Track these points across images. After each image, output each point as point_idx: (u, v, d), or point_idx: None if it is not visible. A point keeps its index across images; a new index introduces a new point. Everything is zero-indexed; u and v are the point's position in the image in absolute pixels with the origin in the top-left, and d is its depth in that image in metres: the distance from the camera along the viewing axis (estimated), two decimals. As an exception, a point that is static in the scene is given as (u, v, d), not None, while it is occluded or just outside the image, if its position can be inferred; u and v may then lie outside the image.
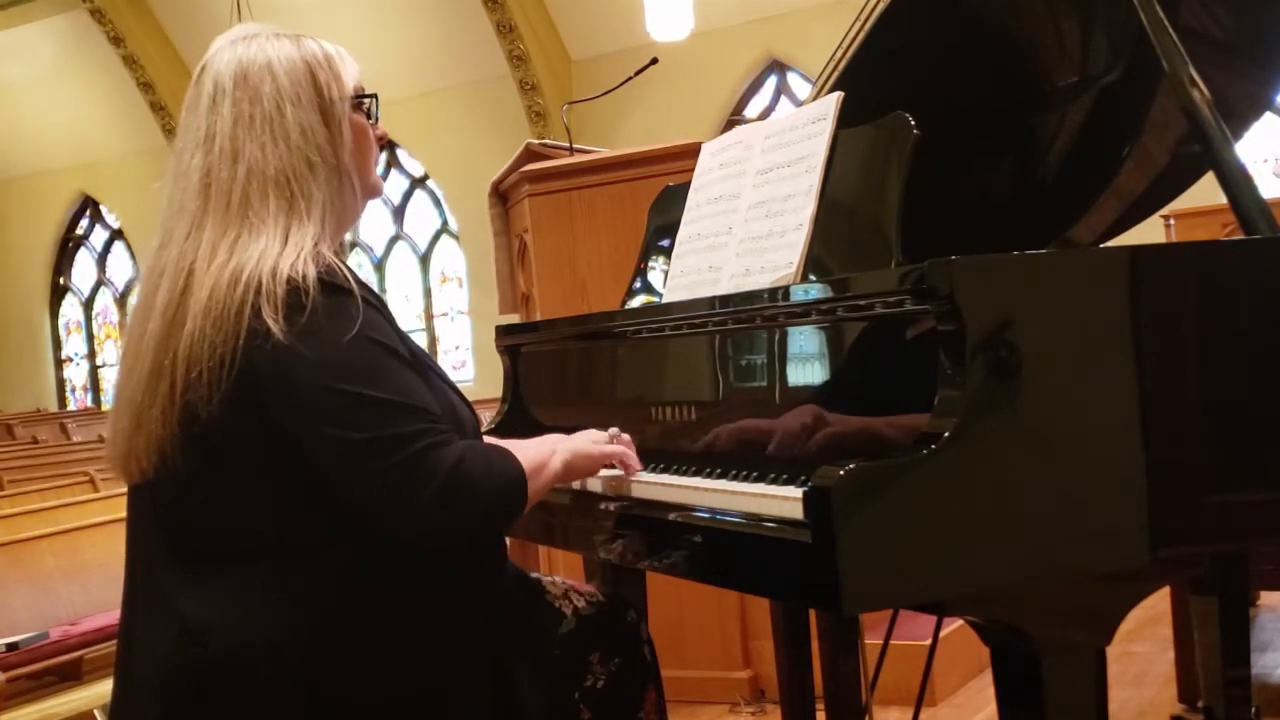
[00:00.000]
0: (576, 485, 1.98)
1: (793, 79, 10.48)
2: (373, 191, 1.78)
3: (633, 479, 1.86)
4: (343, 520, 1.57)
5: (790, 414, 1.72)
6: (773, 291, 1.79)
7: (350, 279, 1.60)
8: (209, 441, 1.57)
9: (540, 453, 1.74)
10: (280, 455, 1.57)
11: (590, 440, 1.83)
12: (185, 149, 1.68)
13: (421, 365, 1.67)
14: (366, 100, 1.75)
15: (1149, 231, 2.72)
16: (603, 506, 1.89)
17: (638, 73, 4.38)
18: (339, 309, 1.56)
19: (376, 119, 1.78)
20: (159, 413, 1.58)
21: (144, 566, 1.65)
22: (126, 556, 1.69)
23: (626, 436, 1.88)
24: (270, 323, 1.52)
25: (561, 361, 2.42)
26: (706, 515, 1.64)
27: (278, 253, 1.57)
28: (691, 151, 2.71)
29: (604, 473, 1.88)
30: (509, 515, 1.66)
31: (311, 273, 1.56)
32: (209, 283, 1.56)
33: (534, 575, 1.88)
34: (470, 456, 1.58)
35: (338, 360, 1.54)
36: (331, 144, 1.68)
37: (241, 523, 1.58)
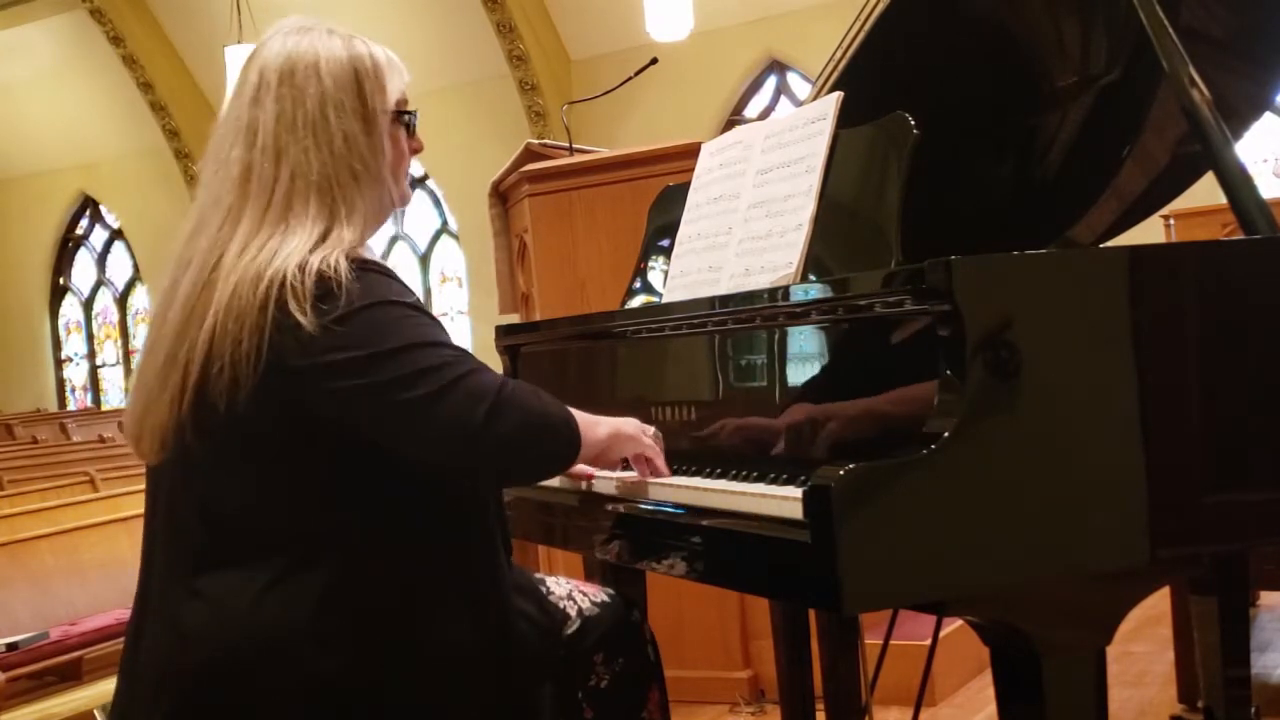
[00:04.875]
0: (580, 485, 1.98)
1: (793, 79, 10.47)
2: (403, 202, 1.78)
3: (632, 478, 1.86)
4: (352, 518, 1.58)
5: (790, 414, 1.72)
6: (773, 291, 1.80)
7: (382, 263, 1.63)
8: (225, 435, 1.57)
9: (587, 416, 1.76)
10: (302, 447, 1.57)
11: (636, 427, 1.83)
12: (225, 137, 1.67)
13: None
14: (408, 115, 1.75)
15: (1149, 231, 2.72)
16: (603, 506, 1.89)
17: (638, 73, 4.38)
18: (375, 285, 1.58)
19: (414, 133, 1.78)
20: (167, 401, 1.58)
21: (154, 559, 1.65)
22: (143, 548, 1.69)
23: (659, 438, 1.87)
24: (299, 316, 1.52)
25: (561, 361, 2.42)
26: (705, 515, 1.64)
27: (308, 249, 1.57)
28: (691, 151, 2.71)
29: (617, 474, 1.88)
30: (562, 446, 1.66)
31: (344, 264, 1.56)
32: (234, 278, 1.56)
33: (538, 576, 1.88)
34: (514, 383, 1.61)
35: (378, 327, 1.56)
36: (373, 154, 1.67)
37: (251, 518, 1.58)
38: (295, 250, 1.56)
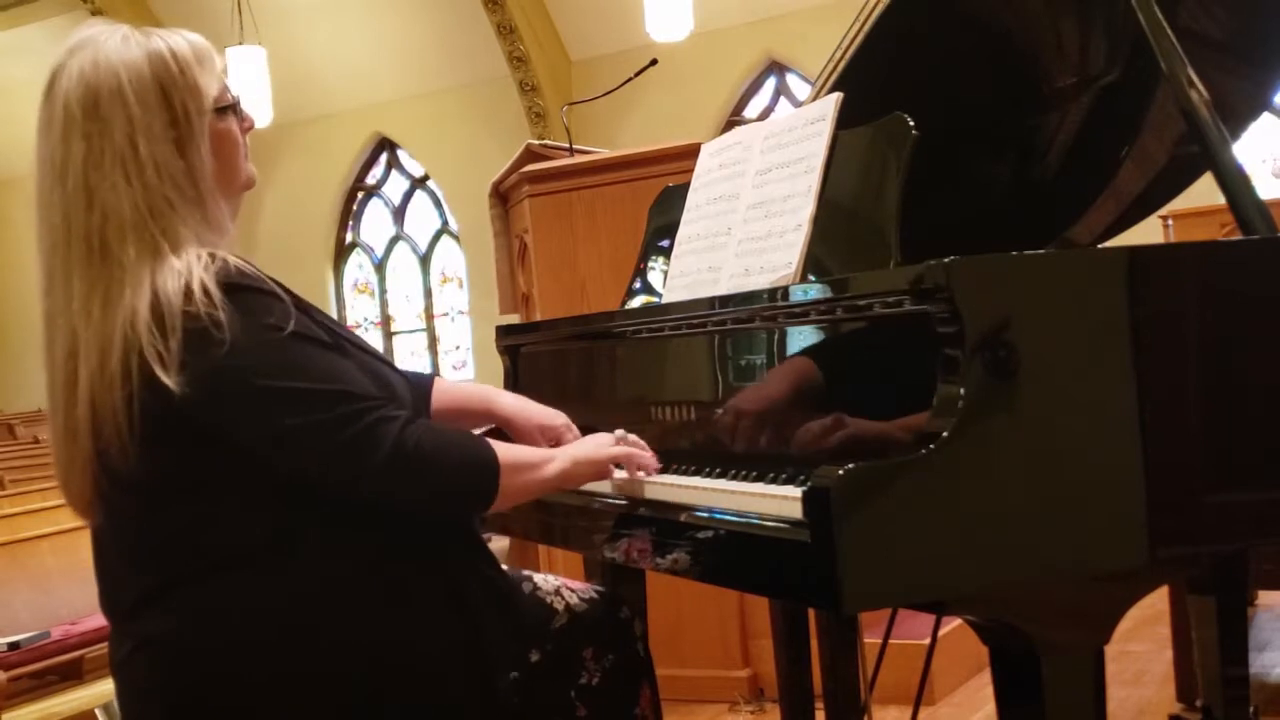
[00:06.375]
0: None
1: (792, 80, 10.47)
2: (245, 188, 1.72)
3: (633, 478, 1.86)
4: (306, 524, 1.58)
5: (789, 414, 1.73)
6: (772, 292, 1.80)
7: (254, 274, 1.57)
8: (146, 484, 1.57)
9: (535, 454, 1.74)
10: (230, 468, 1.56)
11: (594, 445, 1.81)
12: (44, 179, 1.63)
13: (344, 345, 1.66)
14: (229, 106, 1.67)
15: (1148, 231, 2.73)
16: (602, 506, 1.89)
17: (637, 74, 4.39)
18: (255, 310, 1.54)
19: (241, 114, 1.70)
20: (79, 470, 1.59)
21: (115, 597, 1.65)
22: (100, 589, 1.69)
23: (634, 438, 1.86)
24: (167, 379, 1.48)
25: (561, 361, 2.42)
26: (705, 515, 1.64)
27: (149, 300, 1.51)
28: (691, 152, 2.72)
29: (616, 474, 1.88)
30: (473, 493, 1.64)
31: (213, 287, 1.51)
32: (94, 345, 1.54)
33: (524, 573, 1.88)
34: (418, 430, 1.58)
35: (266, 364, 1.53)
36: (189, 175, 1.59)
37: (199, 542, 1.57)
38: (135, 304, 1.51)
